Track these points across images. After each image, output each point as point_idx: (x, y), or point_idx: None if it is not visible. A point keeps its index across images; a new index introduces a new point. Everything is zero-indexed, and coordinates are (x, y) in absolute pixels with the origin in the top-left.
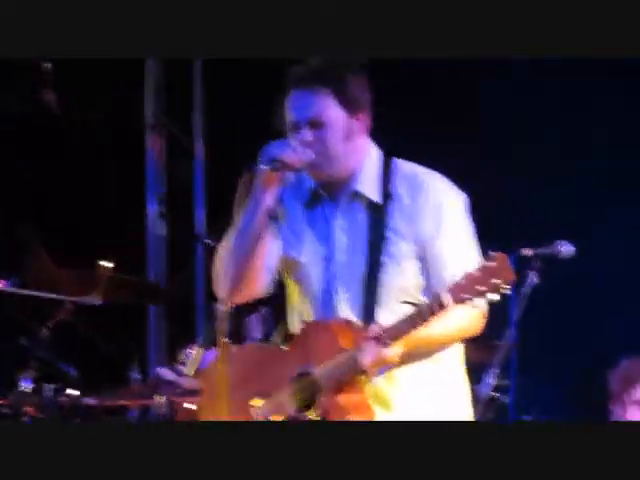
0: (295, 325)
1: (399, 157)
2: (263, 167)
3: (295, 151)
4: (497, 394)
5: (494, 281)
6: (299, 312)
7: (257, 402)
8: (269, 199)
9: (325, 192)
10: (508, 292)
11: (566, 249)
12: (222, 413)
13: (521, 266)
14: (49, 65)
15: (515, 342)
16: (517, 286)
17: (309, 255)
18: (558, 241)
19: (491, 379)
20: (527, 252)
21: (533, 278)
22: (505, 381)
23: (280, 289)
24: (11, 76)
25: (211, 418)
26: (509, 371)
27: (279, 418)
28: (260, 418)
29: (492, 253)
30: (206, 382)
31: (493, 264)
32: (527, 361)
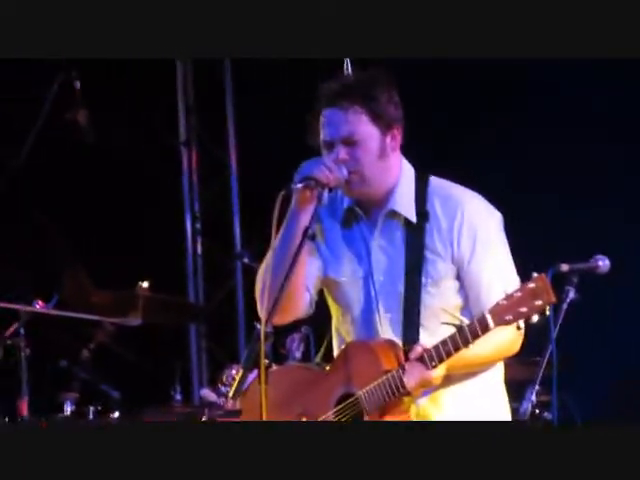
0: (337, 345)
1: (432, 174)
2: (298, 186)
3: (329, 170)
4: (539, 410)
5: (535, 303)
6: (341, 332)
7: None
8: (305, 218)
9: (362, 211)
10: (548, 313)
11: (603, 264)
12: None
13: (559, 282)
14: (78, 84)
15: (555, 358)
16: (556, 303)
17: (347, 275)
18: (596, 256)
19: (532, 395)
20: (565, 267)
21: (571, 293)
22: (547, 397)
23: (320, 309)
24: (41, 93)
25: None
26: (550, 387)
27: None
28: None
29: (533, 274)
30: (248, 403)
31: (533, 285)
32: (567, 376)
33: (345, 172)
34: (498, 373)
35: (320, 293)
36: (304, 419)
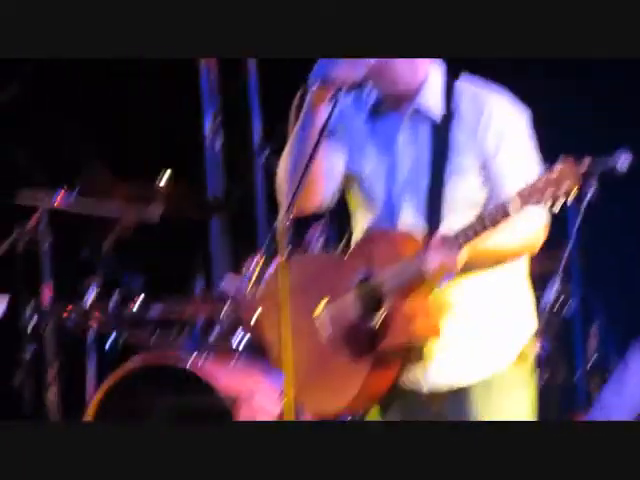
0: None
1: (462, 73)
2: (315, 83)
3: (347, 66)
4: (559, 304)
5: (561, 185)
6: (363, 226)
7: (320, 309)
8: (321, 116)
9: (388, 106)
10: (571, 198)
11: (625, 159)
12: (285, 322)
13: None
14: None
15: (576, 251)
16: (577, 196)
17: (372, 168)
18: (618, 151)
19: (554, 289)
20: (587, 162)
21: (593, 188)
22: (568, 291)
23: (340, 201)
24: None
25: (274, 328)
26: (572, 280)
27: (343, 324)
28: (324, 324)
29: (560, 157)
30: (268, 292)
31: (560, 167)
32: (588, 270)
33: (363, 69)
34: (522, 264)
35: (344, 186)
36: (325, 300)
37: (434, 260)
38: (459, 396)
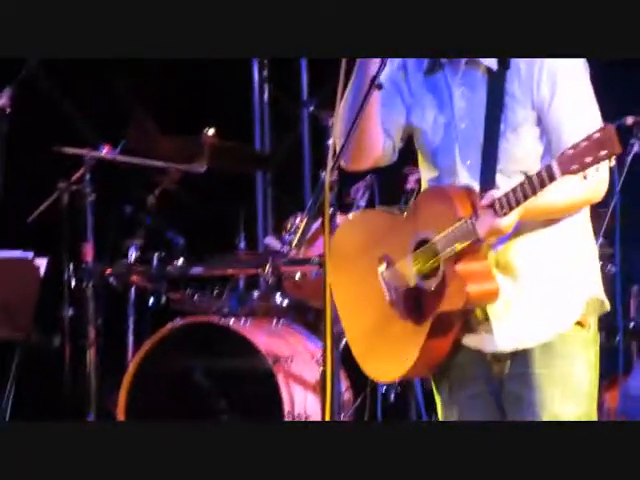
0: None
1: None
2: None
3: None
4: (603, 262)
5: (601, 152)
6: (425, 178)
7: (379, 273)
8: (373, 68)
9: (444, 58)
10: (613, 163)
11: None
12: (346, 280)
13: (624, 134)
14: None
15: (618, 209)
16: (621, 155)
17: (430, 122)
18: None
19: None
20: (630, 120)
21: (636, 146)
22: (610, 249)
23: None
24: None
25: (335, 285)
26: (614, 239)
27: (401, 288)
28: (382, 289)
29: (600, 124)
30: (333, 248)
31: (599, 135)
32: (632, 229)
33: None
34: (581, 221)
35: (407, 140)
36: (384, 264)
37: (485, 223)
38: (522, 357)
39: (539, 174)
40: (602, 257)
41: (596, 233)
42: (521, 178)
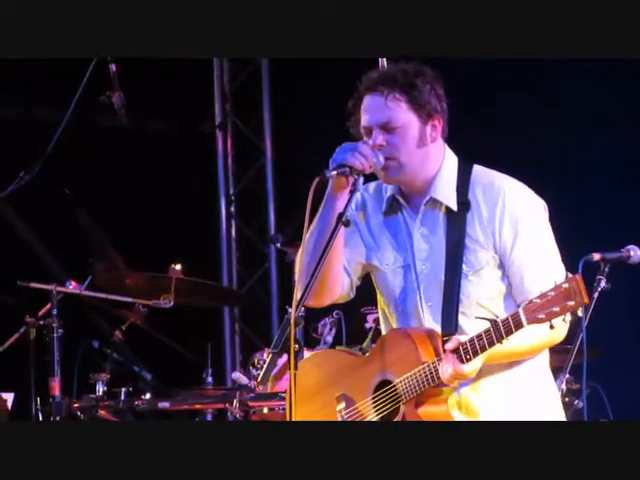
0: (385, 329)
1: (476, 163)
2: (332, 173)
3: (365, 156)
4: (569, 399)
5: (568, 303)
6: (387, 317)
7: (340, 407)
8: (340, 204)
9: (404, 199)
10: (580, 313)
11: (635, 254)
12: (305, 415)
13: (590, 271)
14: (114, 66)
15: (585, 346)
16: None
17: (390, 263)
18: (628, 246)
19: (562, 384)
20: (596, 257)
21: (602, 283)
22: (577, 385)
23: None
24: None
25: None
26: (581, 375)
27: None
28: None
29: (567, 274)
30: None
31: (567, 286)
32: (598, 365)
33: (381, 159)
34: (542, 360)
35: (363, 278)
36: (343, 403)
37: (448, 369)
38: None
39: (505, 321)
40: (568, 393)
41: (563, 369)
42: (484, 319)
